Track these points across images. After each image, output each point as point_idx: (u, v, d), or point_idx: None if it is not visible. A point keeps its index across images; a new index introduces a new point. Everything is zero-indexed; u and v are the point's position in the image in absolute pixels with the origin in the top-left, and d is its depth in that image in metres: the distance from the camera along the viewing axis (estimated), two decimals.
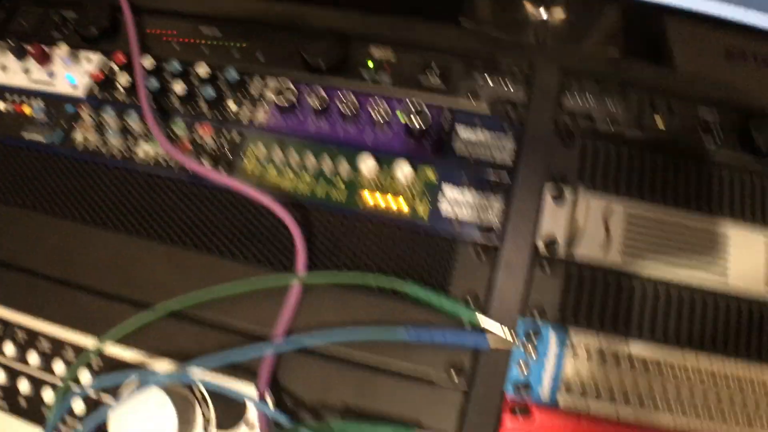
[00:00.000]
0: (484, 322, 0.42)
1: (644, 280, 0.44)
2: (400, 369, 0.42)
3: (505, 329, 0.42)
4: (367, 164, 0.45)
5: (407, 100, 0.47)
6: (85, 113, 0.52)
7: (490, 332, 0.42)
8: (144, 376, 0.41)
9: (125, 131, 0.51)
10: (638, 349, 0.43)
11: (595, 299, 0.44)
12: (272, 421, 0.40)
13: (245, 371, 0.41)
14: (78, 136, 0.51)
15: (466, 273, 0.44)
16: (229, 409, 0.41)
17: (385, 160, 0.46)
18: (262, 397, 0.40)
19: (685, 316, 0.44)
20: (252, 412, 0.41)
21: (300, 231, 0.44)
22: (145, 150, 0.50)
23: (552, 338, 0.42)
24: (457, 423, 0.41)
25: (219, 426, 0.41)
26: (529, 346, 0.42)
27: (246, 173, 0.48)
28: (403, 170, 0.45)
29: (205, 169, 0.47)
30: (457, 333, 0.42)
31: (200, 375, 0.41)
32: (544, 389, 0.41)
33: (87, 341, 0.44)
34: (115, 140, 0.50)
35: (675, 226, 0.46)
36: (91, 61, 0.54)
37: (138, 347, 0.43)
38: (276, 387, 0.42)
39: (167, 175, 0.49)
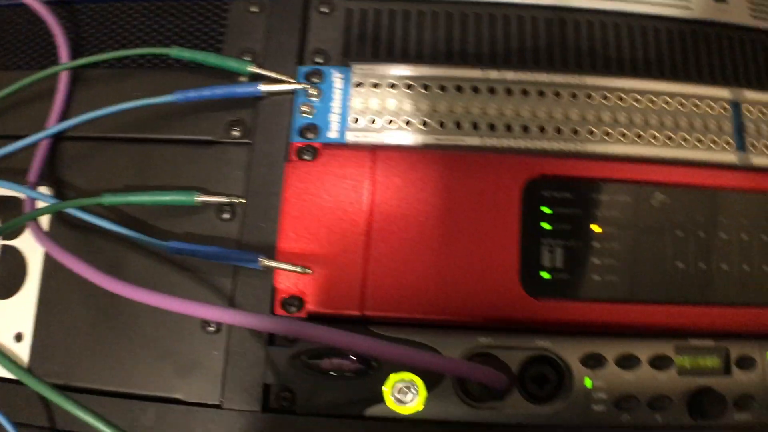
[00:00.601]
0: (258, 70, 0.39)
1: (433, 4, 0.41)
2: (179, 137, 0.39)
3: (282, 76, 0.39)
4: None
5: None
6: None
7: (265, 79, 0.39)
8: None
9: None
10: (434, 71, 0.39)
11: (381, 31, 0.40)
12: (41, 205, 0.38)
13: (21, 172, 0.39)
14: None
15: (239, 31, 0.41)
16: (11, 214, 0.39)
17: None
18: (31, 186, 0.38)
19: (485, 34, 0.40)
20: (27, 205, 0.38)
21: (57, 21, 0.41)
22: None
23: (336, 77, 0.39)
24: (244, 179, 0.38)
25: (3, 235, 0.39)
26: (312, 89, 0.39)
27: None
28: None
29: None
30: (226, 86, 0.39)
31: None
32: (333, 129, 0.38)
33: None
34: None
35: None
36: None
37: None
38: (55, 180, 0.40)
39: None
